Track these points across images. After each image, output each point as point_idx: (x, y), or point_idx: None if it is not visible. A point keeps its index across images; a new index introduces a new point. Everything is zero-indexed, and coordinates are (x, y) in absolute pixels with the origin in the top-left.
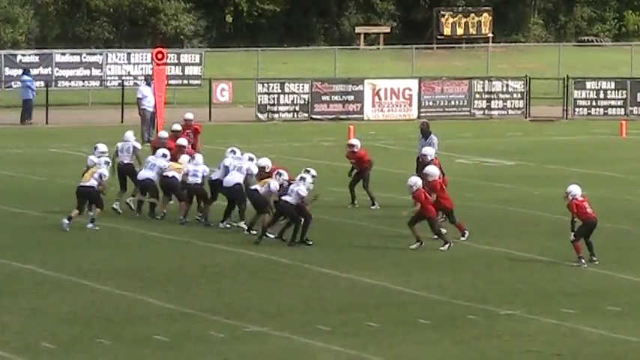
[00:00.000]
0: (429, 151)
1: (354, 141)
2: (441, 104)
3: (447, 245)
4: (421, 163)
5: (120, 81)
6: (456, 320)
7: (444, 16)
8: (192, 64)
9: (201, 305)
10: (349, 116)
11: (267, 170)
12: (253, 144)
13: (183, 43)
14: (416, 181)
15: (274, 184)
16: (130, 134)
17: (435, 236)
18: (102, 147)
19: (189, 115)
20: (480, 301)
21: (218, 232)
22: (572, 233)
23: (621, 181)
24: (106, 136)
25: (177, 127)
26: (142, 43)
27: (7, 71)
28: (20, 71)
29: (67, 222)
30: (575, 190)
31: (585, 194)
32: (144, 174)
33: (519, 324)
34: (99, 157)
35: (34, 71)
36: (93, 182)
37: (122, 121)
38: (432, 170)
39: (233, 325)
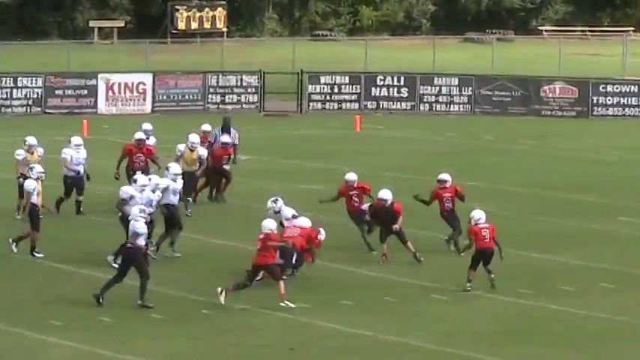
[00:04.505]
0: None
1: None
2: (175, 98)
3: None
4: None
5: None
6: (190, 315)
7: (178, 10)
8: None
9: None
10: (83, 110)
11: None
12: None
13: None
14: None
15: None
16: None
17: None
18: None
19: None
20: (213, 296)
21: None
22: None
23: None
24: None
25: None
26: None
27: None
28: None
29: None
30: (478, 214)
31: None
32: None
33: (253, 318)
34: None
35: None
36: None
37: None
38: None
39: None
